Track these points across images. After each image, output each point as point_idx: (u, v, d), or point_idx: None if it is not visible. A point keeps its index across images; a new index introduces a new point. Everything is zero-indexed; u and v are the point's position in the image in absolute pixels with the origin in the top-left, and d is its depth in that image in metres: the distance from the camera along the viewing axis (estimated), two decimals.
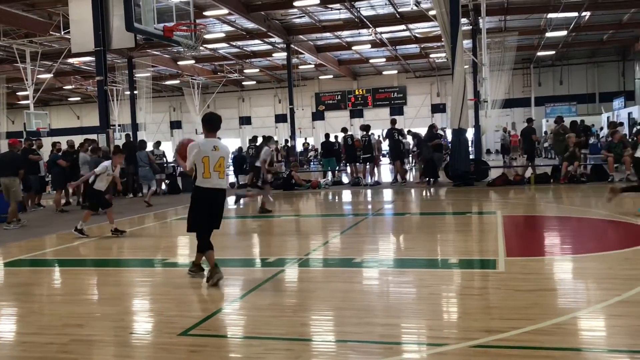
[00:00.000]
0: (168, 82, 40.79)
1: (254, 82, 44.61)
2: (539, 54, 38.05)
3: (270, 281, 5.86)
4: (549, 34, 31.92)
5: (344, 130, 19.98)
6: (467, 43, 28.57)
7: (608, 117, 32.93)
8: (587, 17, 29.02)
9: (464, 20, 25.71)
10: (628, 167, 15.14)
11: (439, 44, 29.77)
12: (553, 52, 37.95)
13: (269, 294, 5.41)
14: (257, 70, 39.57)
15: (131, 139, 20.97)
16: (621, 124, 26.03)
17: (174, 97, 46.28)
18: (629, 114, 31.38)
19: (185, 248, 8.35)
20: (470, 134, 21.98)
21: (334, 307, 4.90)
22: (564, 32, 31.66)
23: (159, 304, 5.33)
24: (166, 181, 18.91)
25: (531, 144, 17.95)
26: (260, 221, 11.06)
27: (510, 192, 14.27)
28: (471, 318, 4.38)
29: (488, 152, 38.78)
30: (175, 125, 48.26)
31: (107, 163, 9.81)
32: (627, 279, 5.21)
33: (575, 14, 27.68)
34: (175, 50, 29.31)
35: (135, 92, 30.11)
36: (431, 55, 36.91)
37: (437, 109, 43.73)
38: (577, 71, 42.64)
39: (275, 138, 34.89)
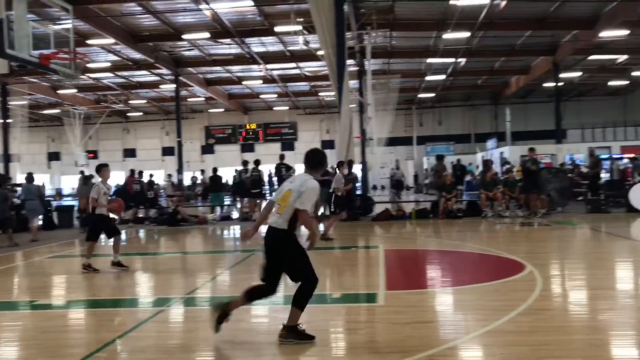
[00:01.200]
0: (47, 111, 38.62)
1: (141, 114, 43.40)
2: (420, 95, 40.30)
3: (150, 321, 5.61)
4: (429, 78, 33.96)
5: (245, 163, 19.42)
6: (353, 83, 29.61)
7: (482, 156, 35.29)
8: (462, 63, 31.17)
9: (350, 61, 26.69)
10: (500, 203, 16.30)
11: (327, 82, 30.69)
12: (433, 95, 40.36)
13: (148, 335, 5.17)
14: (144, 101, 38.57)
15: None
16: (491, 162, 27.97)
17: (53, 126, 43.81)
18: (501, 153, 33.83)
19: (59, 288, 7.81)
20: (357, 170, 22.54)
21: (219, 347, 4.77)
22: (442, 76, 33.84)
23: (25, 351, 4.91)
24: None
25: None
26: (142, 258, 10.62)
27: (393, 226, 14.79)
28: (351, 353, 4.44)
29: (374, 187, 40.09)
30: (54, 156, 45.62)
31: (99, 183, 8.89)
32: (496, 309, 5.52)
33: (453, 59, 29.69)
34: (55, 78, 27.92)
35: (9, 120, 28.20)
36: (320, 93, 37.91)
37: (327, 145, 44.81)
38: (455, 113, 45.54)
39: (162, 172, 33.99)
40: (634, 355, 4.30)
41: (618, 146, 32.83)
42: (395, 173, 30.85)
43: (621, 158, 29.30)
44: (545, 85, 36.28)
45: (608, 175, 22.79)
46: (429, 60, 29.57)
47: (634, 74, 34.97)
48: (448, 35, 24.27)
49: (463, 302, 6.20)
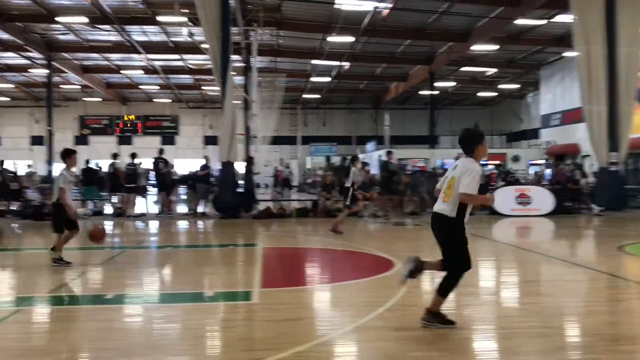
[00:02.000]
0: None
1: (7, 99, 40.16)
2: (306, 96, 40.81)
3: (6, 322, 5.19)
4: (314, 79, 34.46)
5: (115, 156, 18.72)
6: (239, 79, 29.30)
7: (362, 158, 36.39)
8: (347, 67, 31.96)
9: (236, 56, 26.38)
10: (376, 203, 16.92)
11: (211, 76, 30.21)
12: (318, 96, 41.02)
13: (2, 337, 4.78)
14: (12, 85, 35.75)
15: None
16: (367, 163, 28.91)
17: None
18: (379, 156, 35.09)
19: None
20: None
21: (88, 348, 4.51)
22: (327, 78, 34.49)
23: None
24: None
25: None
26: (0, 255, 9.82)
27: (274, 224, 14.86)
28: (223, 351, 4.39)
29: (257, 185, 40.02)
30: None
31: (63, 171, 8.01)
32: (366, 305, 5.71)
33: (337, 62, 30.34)
34: None
35: None
36: (204, 88, 37.22)
37: (210, 141, 44.08)
38: (338, 115, 46.62)
39: (30, 162, 31.64)
40: (493, 348, 4.60)
41: None
42: (283, 171, 30.96)
43: (487, 164, 31.48)
44: (421, 92, 38.16)
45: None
46: (315, 61, 30.02)
47: (501, 86, 37.76)
48: (333, 39, 24.78)
49: (336, 298, 6.36)
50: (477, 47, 26.87)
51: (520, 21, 22.56)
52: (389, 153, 17.56)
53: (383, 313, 5.31)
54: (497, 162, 32.48)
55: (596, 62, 17.79)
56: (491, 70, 33.72)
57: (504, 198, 16.83)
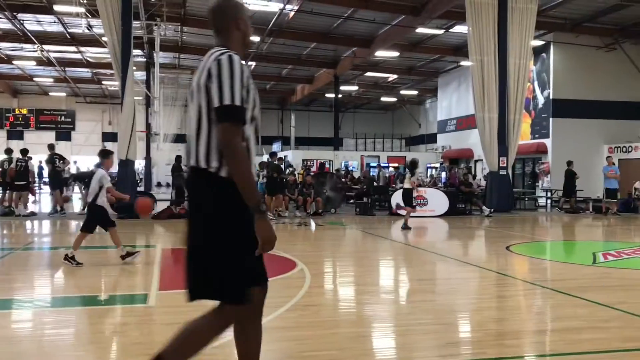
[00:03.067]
0: None
1: None
2: None
3: None
4: None
5: (8, 151, 17.42)
6: (141, 74, 28.38)
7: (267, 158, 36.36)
8: (253, 66, 31.79)
9: (138, 51, 25.56)
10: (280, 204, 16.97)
11: (111, 71, 29.07)
12: None
13: None
14: None
15: None
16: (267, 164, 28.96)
17: None
18: (285, 156, 35.19)
19: None
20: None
21: None
22: None
23: None
24: None
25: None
26: None
27: (175, 225, 14.49)
28: (115, 356, 4.23)
29: (159, 185, 38.90)
30: None
31: (103, 172, 7.98)
32: (266, 306, 5.65)
33: (243, 62, 30.10)
34: None
35: None
36: (104, 82, 35.71)
37: (110, 137, 42.31)
38: None
39: None
40: (390, 346, 4.74)
41: (385, 156, 36.33)
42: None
43: (388, 166, 32.48)
44: (327, 95, 38.73)
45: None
46: None
47: (402, 92, 39.09)
48: None
49: None
50: (380, 53, 27.67)
51: (420, 30, 23.48)
52: (273, 155, 17.68)
53: (283, 313, 5.33)
54: (397, 164, 33.61)
55: (489, 72, 18.86)
56: (392, 76, 34.83)
57: (399, 200, 17.39)
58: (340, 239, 12.97)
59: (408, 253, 10.38)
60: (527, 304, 6.26)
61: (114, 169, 14.22)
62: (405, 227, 13.40)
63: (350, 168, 32.27)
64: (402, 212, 14.69)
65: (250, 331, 2.86)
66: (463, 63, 28.06)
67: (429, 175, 30.85)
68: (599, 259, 9.15)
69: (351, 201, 20.88)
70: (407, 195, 13.72)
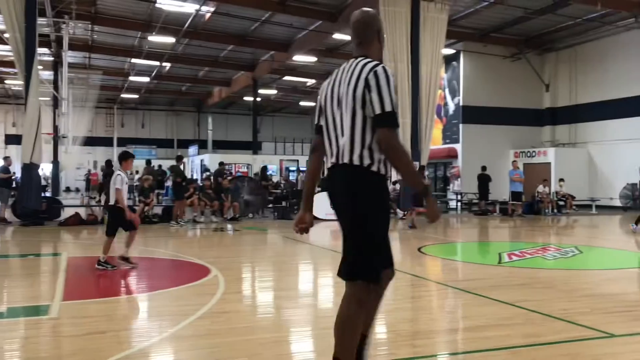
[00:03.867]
0: None
1: None
2: (123, 96, 38.91)
3: None
4: (132, 78, 32.99)
5: None
6: (48, 74, 27.05)
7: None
8: (168, 67, 31.11)
9: (44, 50, 24.35)
10: (196, 209, 16.64)
11: (15, 70, 27.53)
12: (137, 96, 39.35)
13: None
14: None
15: None
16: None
17: None
18: (202, 160, 34.66)
19: None
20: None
21: None
22: (147, 78, 33.22)
23: None
24: None
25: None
26: None
27: (83, 232, 13.88)
28: None
29: (67, 189, 37.17)
30: None
31: (121, 173, 8.02)
32: (177, 315, 5.54)
33: (158, 63, 29.37)
34: None
35: None
36: (7, 81, 33.75)
37: (13, 140, 40.03)
38: (159, 117, 45.17)
39: None
40: (304, 350, 4.72)
41: (305, 160, 36.50)
42: (98, 174, 29.06)
43: (305, 170, 32.60)
44: (245, 98, 38.49)
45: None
46: (133, 60, 28.78)
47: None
48: (153, 38, 23.98)
49: (145, 309, 6.12)
50: (298, 58, 27.80)
51: (337, 36, 23.80)
52: (179, 158, 17.36)
53: (194, 321, 5.19)
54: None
55: (402, 79, 19.37)
56: (311, 81, 35.10)
57: (320, 203, 17.54)
58: (258, 244, 12.87)
59: (327, 257, 10.43)
60: (437, 304, 6.46)
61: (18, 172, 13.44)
62: (412, 226, 15.01)
63: (269, 172, 32.14)
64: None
65: (371, 308, 3.31)
66: None
67: None
68: (504, 259, 9.59)
69: (270, 205, 20.79)
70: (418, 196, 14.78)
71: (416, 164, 17.51)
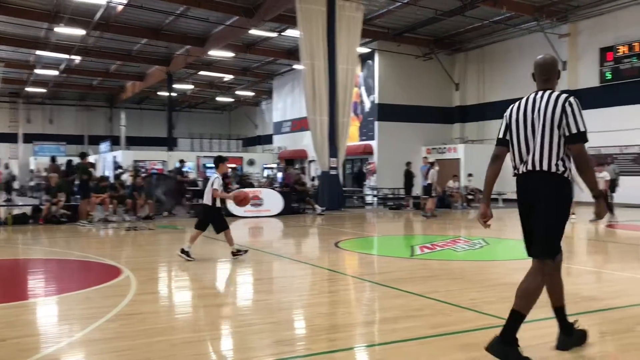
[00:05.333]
0: None
1: None
2: (29, 89, 36.89)
3: None
4: (39, 71, 31.33)
5: None
6: None
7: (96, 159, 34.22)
8: (77, 61, 29.76)
9: None
10: (107, 208, 16.04)
11: None
12: (44, 90, 37.41)
13: None
14: None
15: None
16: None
17: None
18: (114, 157, 33.40)
19: None
20: None
21: None
22: (55, 72, 31.63)
23: None
24: None
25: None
26: None
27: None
28: None
29: None
30: None
31: (218, 175, 8.91)
32: (84, 318, 5.32)
33: (66, 55, 28.05)
34: None
35: None
36: None
37: None
38: (68, 112, 43.14)
39: None
40: (219, 349, 4.64)
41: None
42: (2, 172, 27.42)
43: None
44: (160, 93, 37.50)
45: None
46: (39, 52, 27.31)
47: (238, 92, 39.08)
48: (61, 30, 22.88)
49: (51, 313, 5.83)
50: (214, 53, 27.41)
51: (254, 32, 23.67)
52: (83, 155, 16.68)
53: (102, 325, 5.01)
54: (234, 165, 33.48)
55: (319, 76, 19.55)
56: (228, 77, 34.69)
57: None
58: (173, 243, 12.53)
59: (245, 255, 10.36)
60: (351, 298, 6.57)
61: None
62: (432, 215, 17.50)
63: (185, 169, 31.46)
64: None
65: (556, 279, 4.20)
66: (296, 66, 28.79)
67: (265, 175, 31.18)
68: (416, 252, 9.90)
69: (187, 203, 20.36)
70: (428, 189, 18.09)
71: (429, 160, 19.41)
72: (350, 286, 7.26)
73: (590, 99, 23.04)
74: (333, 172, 20.03)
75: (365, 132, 28.02)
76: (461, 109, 28.99)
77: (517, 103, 4.26)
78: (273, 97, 37.06)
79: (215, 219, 8.92)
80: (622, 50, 21.95)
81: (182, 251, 8.67)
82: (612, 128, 22.11)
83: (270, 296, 6.65)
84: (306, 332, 5.08)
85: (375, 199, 24.59)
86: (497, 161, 4.33)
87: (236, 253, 8.86)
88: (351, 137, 25.18)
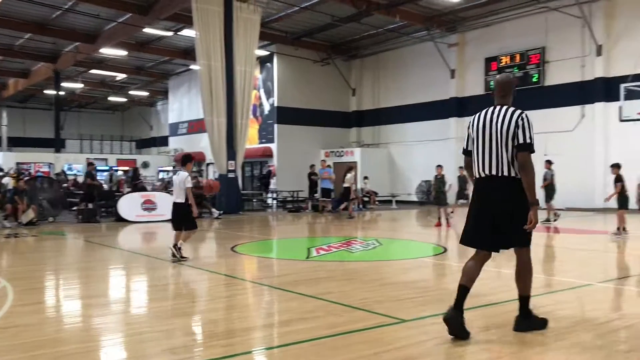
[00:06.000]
0: None
1: None
2: None
3: None
4: None
5: None
6: None
7: None
8: None
9: None
10: None
11: None
12: None
13: None
14: None
15: None
16: None
17: None
18: None
19: None
20: None
21: None
22: None
23: None
24: None
25: None
26: None
27: None
28: None
29: None
30: None
31: (189, 173, 9.16)
32: None
33: None
34: None
35: None
36: None
37: None
38: None
39: None
40: (116, 359, 4.45)
41: (115, 158, 34.63)
42: None
43: (118, 170, 30.96)
44: (46, 92, 35.40)
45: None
46: None
47: (131, 92, 37.69)
48: None
49: None
50: (106, 51, 26.28)
51: (148, 30, 22.94)
52: None
53: None
54: (127, 168, 32.22)
55: (216, 77, 19.29)
56: (121, 76, 33.40)
57: (129, 204, 16.84)
58: (59, 250, 11.88)
59: (136, 261, 9.99)
60: (246, 302, 6.52)
61: None
62: (350, 217, 18.39)
63: (74, 172, 29.89)
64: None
65: (529, 264, 4.76)
66: (193, 67, 28.24)
67: (159, 178, 30.30)
68: (312, 254, 10.01)
69: (74, 208, 19.31)
70: (347, 192, 19.21)
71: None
72: (246, 290, 7.20)
73: (476, 106, 24.29)
74: (231, 175, 19.82)
75: (265, 134, 28.00)
76: (358, 113, 29.72)
77: (476, 115, 4.81)
78: (169, 97, 36.11)
79: (187, 216, 9.15)
80: (505, 60, 23.48)
81: (180, 257, 8.98)
82: None
83: (162, 303, 6.44)
84: (200, 338, 4.98)
85: (275, 201, 24.62)
86: (469, 169, 4.92)
87: (179, 255, 8.98)
88: (250, 139, 25.07)
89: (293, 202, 23.57)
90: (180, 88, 34.42)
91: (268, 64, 27.50)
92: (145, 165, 34.01)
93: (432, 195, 15.87)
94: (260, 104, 28.13)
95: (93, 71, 31.76)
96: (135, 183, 21.34)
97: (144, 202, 17.07)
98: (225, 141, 19.63)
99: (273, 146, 27.38)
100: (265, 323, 5.52)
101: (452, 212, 15.93)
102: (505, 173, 4.54)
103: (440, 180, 15.25)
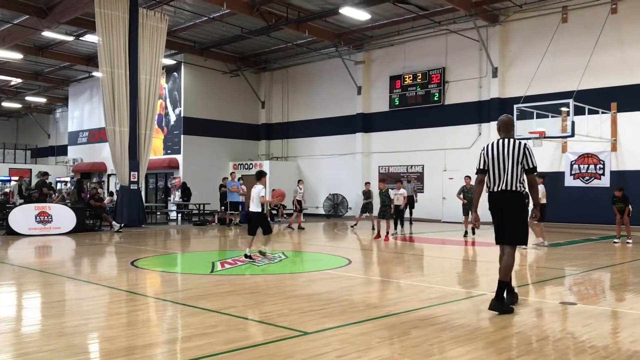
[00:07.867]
0: None
1: None
2: None
3: None
4: None
5: None
6: None
7: None
8: None
9: None
10: None
11: None
12: None
13: None
14: None
15: None
16: None
17: None
18: None
19: None
20: None
21: None
22: None
23: None
24: None
25: None
26: None
27: None
28: None
29: None
30: None
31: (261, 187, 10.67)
32: None
33: None
34: None
35: None
36: None
37: None
38: None
39: None
40: None
41: (7, 168, 32.54)
42: None
43: (10, 180, 29.15)
44: None
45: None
46: None
47: (28, 98, 35.65)
48: None
49: None
50: (0, 53, 24.73)
51: (47, 34, 21.85)
52: None
53: None
54: (18, 177, 30.40)
55: (119, 85, 18.67)
56: (16, 80, 31.54)
57: (21, 217, 15.89)
58: None
59: (27, 276, 9.38)
60: (145, 318, 6.29)
61: None
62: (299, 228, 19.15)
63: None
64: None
65: (513, 258, 6.36)
66: (95, 73, 27.17)
67: (58, 190, 28.74)
68: (217, 268, 9.85)
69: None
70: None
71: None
72: (146, 306, 6.95)
73: (381, 122, 25.20)
74: (134, 186, 19.16)
75: (171, 145, 27.34)
76: (267, 126, 29.74)
77: (490, 144, 6.38)
78: (69, 105, 34.47)
79: (264, 223, 10.90)
80: (408, 79, 24.40)
81: (261, 253, 10.79)
82: (400, 149, 24.37)
83: (52, 320, 6.08)
84: (90, 356, 4.75)
85: (179, 214, 24.03)
86: (480, 184, 6.51)
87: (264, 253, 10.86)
88: (155, 150, 24.40)
89: (199, 215, 23.12)
90: (82, 95, 32.97)
91: (175, 74, 26.95)
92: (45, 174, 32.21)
93: (380, 210, 15.91)
94: (167, 114, 27.47)
95: None
96: (31, 193, 20.09)
97: (39, 214, 16.14)
98: (128, 151, 18.98)
99: (179, 157, 26.79)
100: (165, 339, 5.35)
101: (356, 225, 16.32)
102: (514, 188, 6.18)
103: (384, 194, 15.61)
